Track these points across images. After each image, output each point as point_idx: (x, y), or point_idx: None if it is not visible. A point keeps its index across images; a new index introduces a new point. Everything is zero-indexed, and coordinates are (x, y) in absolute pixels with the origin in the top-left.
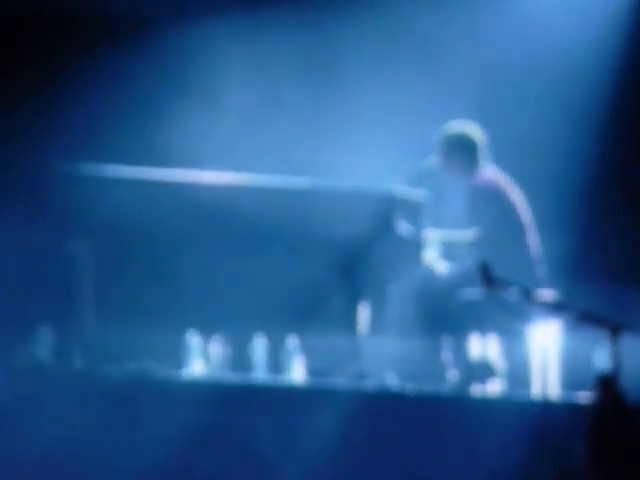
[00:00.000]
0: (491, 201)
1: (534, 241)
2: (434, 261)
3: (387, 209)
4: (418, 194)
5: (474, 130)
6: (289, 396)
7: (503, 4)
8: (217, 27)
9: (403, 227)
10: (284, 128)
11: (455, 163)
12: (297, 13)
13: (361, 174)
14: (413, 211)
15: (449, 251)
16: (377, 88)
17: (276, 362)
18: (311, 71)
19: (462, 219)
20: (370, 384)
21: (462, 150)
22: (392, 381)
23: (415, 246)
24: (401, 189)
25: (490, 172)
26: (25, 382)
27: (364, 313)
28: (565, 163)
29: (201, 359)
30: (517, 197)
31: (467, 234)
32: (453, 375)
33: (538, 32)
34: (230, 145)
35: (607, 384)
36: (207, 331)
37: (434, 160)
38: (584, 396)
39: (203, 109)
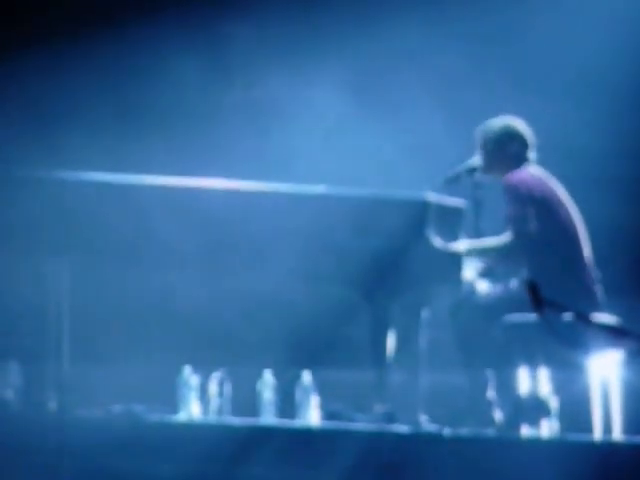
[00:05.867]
0: (522, 199)
1: (588, 254)
2: (474, 280)
3: (420, 217)
4: (456, 200)
5: (522, 124)
6: (303, 443)
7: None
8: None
9: (439, 239)
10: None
11: (502, 159)
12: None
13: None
14: (451, 220)
15: (490, 268)
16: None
17: (287, 403)
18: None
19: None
20: (401, 428)
21: (512, 144)
22: (427, 424)
23: (453, 261)
24: (435, 195)
25: (534, 169)
26: None
27: (392, 343)
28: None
29: (199, 400)
30: (567, 199)
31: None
32: (499, 415)
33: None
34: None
35: None
36: (206, 367)
37: (467, 165)
38: None
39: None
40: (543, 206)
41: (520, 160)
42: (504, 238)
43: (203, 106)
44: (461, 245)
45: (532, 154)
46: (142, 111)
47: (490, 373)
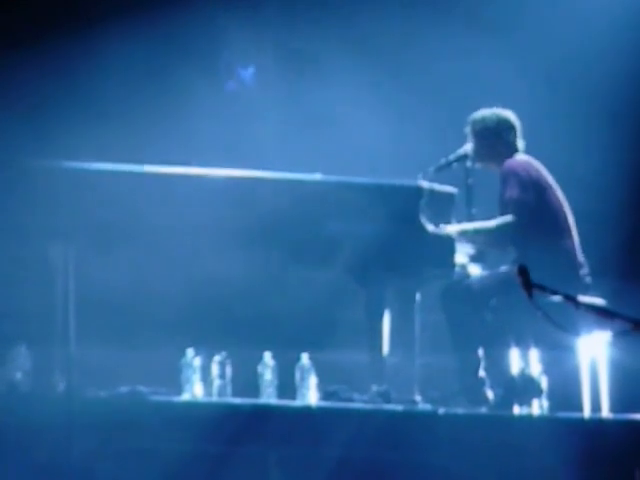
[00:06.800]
0: (523, 183)
1: (575, 238)
2: (466, 264)
3: (413, 204)
4: (448, 187)
5: (510, 114)
6: (302, 422)
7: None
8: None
9: (432, 225)
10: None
11: (499, 149)
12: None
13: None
14: (443, 205)
15: (482, 252)
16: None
17: (287, 384)
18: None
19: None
20: (396, 407)
21: (508, 134)
22: (421, 403)
23: (446, 246)
24: (428, 183)
25: (524, 156)
26: None
27: (387, 325)
28: (608, 159)
29: (202, 381)
30: (556, 185)
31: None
32: (491, 394)
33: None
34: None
35: None
36: (208, 350)
37: (459, 153)
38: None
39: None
40: (539, 191)
41: (513, 148)
42: (501, 220)
43: (174, 96)
44: (454, 229)
45: (521, 143)
46: (106, 101)
47: (482, 354)
